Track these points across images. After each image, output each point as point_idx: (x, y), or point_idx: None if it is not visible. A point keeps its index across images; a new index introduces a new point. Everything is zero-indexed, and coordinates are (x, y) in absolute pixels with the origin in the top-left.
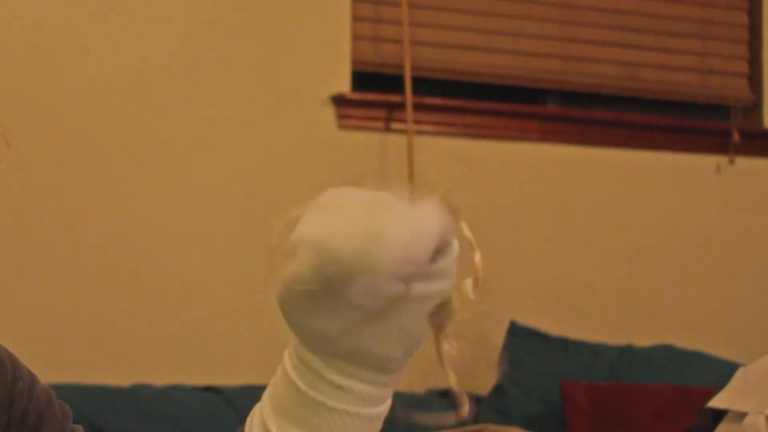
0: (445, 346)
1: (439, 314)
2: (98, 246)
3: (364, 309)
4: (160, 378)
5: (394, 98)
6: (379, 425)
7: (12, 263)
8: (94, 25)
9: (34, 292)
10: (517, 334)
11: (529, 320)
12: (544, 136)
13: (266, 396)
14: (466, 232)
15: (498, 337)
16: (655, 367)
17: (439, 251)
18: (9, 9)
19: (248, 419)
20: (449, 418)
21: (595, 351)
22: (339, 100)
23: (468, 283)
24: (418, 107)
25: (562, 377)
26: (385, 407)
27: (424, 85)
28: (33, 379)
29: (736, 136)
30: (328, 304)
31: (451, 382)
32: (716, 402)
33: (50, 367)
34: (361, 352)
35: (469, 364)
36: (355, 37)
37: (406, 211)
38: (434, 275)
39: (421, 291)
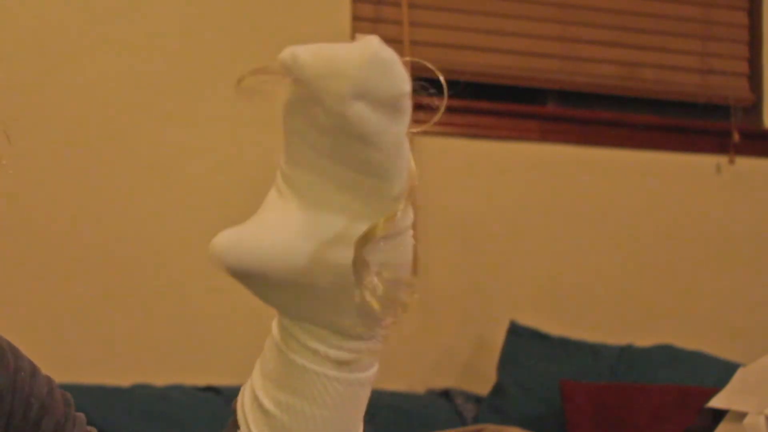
0: (364, 263)
1: (362, 237)
2: (98, 245)
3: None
4: (160, 378)
5: None
6: (365, 392)
7: (12, 263)
8: (94, 25)
9: (34, 292)
10: (517, 334)
11: (529, 320)
12: (544, 136)
13: (257, 362)
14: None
15: (498, 337)
16: (655, 367)
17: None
18: (9, 9)
19: (242, 388)
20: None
21: (595, 351)
22: None
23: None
24: (417, 107)
25: (562, 377)
26: (368, 375)
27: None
28: (34, 369)
29: (736, 136)
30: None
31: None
32: (716, 402)
33: (50, 366)
34: (323, 319)
35: (468, 364)
36: (355, 37)
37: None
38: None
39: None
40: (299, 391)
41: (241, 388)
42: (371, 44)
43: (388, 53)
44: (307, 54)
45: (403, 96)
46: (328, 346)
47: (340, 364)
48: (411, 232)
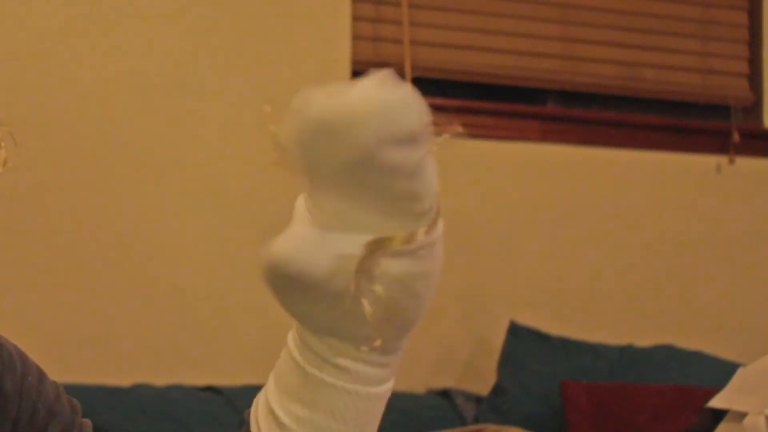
0: (365, 281)
1: (375, 242)
2: (98, 246)
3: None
4: (160, 378)
5: None
6: (381, 406)
7: (13, 263)
8: (95, 27)
9: (35, 292)
10: (517, 334)
11: (529, 320)
12: (544, 136)
13: (271, 376)
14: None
15: (498, 337)
16: (655, 367)
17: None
18: (10, 10)
19: (254, 400)
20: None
21: (595, 351)
22: None
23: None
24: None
25: (562, 377)
26: (386, 388)
27: (424, 85)
28: (41, 375)
29: (736, 136)
30: (302, 287)
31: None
32: (716, 402)
33: (50, 366)
34: (342, 329)
35: (468, 364)
36: (355, 37)
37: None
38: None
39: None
40: (317, 406)
41: (254, 400)
42: (382, 89)
43: (401, 93)
44: (321, 110)
45: (422, 128)
46: (350, 359)
47: (360, 378)
48: (440, 245)
